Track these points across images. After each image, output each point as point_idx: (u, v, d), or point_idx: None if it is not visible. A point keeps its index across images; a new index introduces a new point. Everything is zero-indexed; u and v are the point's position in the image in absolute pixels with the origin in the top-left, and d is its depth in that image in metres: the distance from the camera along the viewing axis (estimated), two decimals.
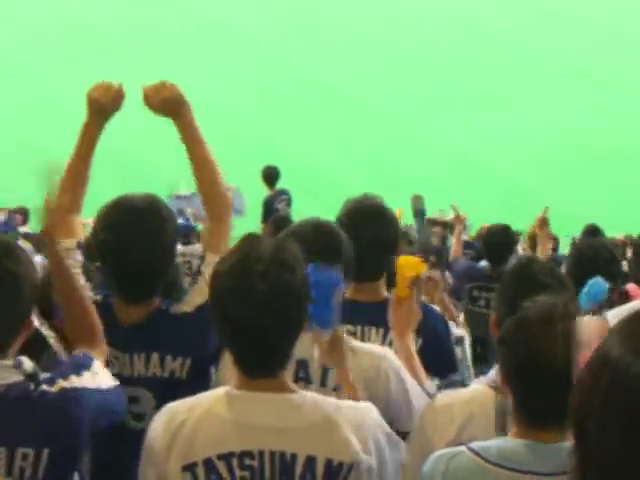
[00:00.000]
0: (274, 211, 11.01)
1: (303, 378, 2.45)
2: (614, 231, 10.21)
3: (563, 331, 1.86)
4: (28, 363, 2.06)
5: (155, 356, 2.63)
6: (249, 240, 2.02)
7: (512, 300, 2.29)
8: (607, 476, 1.08)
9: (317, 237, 2.53)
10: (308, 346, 2.32)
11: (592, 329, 1.81)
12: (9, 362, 2.05)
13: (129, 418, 2.63)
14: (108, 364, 2.48)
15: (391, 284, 2.75)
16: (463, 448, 1.93)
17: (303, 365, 2.44)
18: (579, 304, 2.04)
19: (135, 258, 2.59)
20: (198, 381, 2.62)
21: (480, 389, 2.33)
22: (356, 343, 2.56)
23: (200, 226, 10.65)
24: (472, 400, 2.30)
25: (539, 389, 1.86)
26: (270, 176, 11.39)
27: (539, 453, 1.83)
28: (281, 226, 8.61)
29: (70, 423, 2.05)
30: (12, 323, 2.07)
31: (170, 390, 2.56)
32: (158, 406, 2.53)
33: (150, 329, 2.66)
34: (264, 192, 11.32)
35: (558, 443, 1.84)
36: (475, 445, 1.93)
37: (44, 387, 2.05)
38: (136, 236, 2.57)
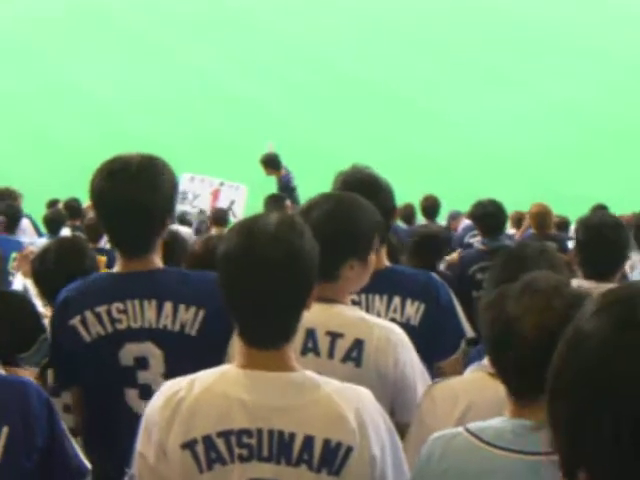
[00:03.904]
0: (293, 190, 11.07)
1: (311, 348, 2.45)
2: (627, 211, 10.15)
3: (540, 303, 1.84)
4: None
5: (168, 305, 2.57)
6: (256, 213, 2.04)
7: (502, 283, 2.28)
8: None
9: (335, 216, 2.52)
10: (317, 315, 2.33)
11: None
12: None
13: (135, 397, 2.59)
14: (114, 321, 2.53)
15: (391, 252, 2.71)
16: (460, 429, 1.92)
17: (312, 334, 2.44)
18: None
19: (130, 203, 2.54)
20: (208, 341, 2.55)
21: (477, 376, 2.32)
22: (366, 315, 2.58)
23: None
24: (470, 389, 2.28)
25: (514, 363, 1.85)
26: (274, 160, 11.39)
27: (527, 432, 1.82)
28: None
29: (27, 405, 2.07)
30: None
31: (181, 348, 2.54)
32: (166, 373, 2.53)
33: (159, 277, 2.62)
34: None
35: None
36: (472, 426, 1.92)
37: (2, 372, 2.14)
38: (132, 182, 2.54)
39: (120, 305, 2.58)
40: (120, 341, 2.58)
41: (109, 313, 2.58)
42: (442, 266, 6.16)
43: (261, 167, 11.38)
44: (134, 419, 2.53)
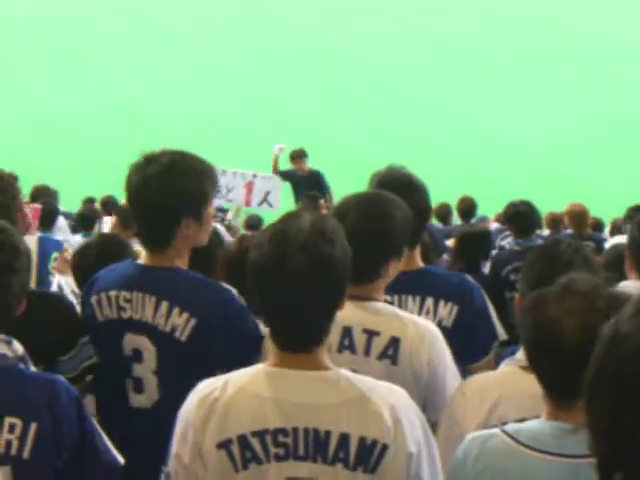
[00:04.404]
0: (328, 187, 11.12)
1: (348, 346, 2.47)
2: None
3: (582, 305, 1.83)
4: (18, 346, 2.14)
5: (165, 305, 2.59)
6: (288, 214, 2.05)
7: (536, 280, 2.27)
8: None
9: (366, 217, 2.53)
10: (353, 312, 2.36)
11: None
12: (2, 336, 2.12)
13: (130, 389, 2.61)
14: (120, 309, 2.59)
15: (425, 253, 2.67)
16: (497, 430, 1.91)
17: (348, 332, 2.46)
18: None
19: (149, 198, 2.59)
20: (199, 350, 2.56)
21: (509, 370, 2.31)
22: (401, 312, 2.59)
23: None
24: (501, 382, 2.28)
25: (555, 366, 1.83)
26: (304, 153, 11.37)
27: (566, 435, 1.79)
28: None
29: (56, 402, 2.08)
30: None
31: (171, 350, 2.56)
32: (157, 370, 2.57)
33: (166, 275, 2.65)
34: None
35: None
36: (508, 427, 1.91)
37: (33, 369, 2.15)
38: (156, 178, 2.58)
39: (127, 294, 2.64)
40: (123, 329, 2.63)
41: (117, 299, 2.65)
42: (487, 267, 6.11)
43: (289, 161, 11.37)
44: (132, 411, 2.58)
